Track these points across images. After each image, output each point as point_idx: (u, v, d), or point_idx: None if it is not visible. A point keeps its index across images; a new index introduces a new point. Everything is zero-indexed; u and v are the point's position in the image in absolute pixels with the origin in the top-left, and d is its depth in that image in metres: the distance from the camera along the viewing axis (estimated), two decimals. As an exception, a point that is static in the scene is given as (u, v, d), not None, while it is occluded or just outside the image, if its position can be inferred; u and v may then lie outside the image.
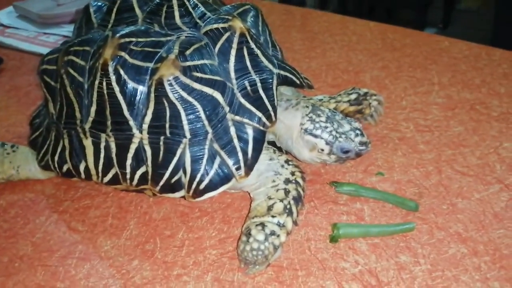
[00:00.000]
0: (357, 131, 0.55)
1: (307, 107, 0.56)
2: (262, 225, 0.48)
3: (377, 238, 0.50)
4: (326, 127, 0.54)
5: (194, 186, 0.51)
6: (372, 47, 0.93)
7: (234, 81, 0.52)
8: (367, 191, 0.55)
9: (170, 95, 0.49)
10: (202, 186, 0.51)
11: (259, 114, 0.52)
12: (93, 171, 0.55)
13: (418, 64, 0.85)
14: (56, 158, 0.58)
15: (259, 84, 0.53)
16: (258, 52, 0.54)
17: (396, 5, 2.52)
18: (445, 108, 0.71)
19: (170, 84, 0.49)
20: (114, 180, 0.55)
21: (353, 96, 0.65)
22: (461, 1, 2.70)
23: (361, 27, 1.03)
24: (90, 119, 0.53)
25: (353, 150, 0.54)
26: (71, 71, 0.54)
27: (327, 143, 0.54)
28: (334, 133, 0.54)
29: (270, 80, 0.54)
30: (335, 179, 0.59)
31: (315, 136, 0.54)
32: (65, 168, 0.57)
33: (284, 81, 0.56)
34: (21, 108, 0.84)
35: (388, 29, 1.00)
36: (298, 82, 0.58)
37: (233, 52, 0.52)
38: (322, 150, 0.55)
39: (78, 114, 0.55)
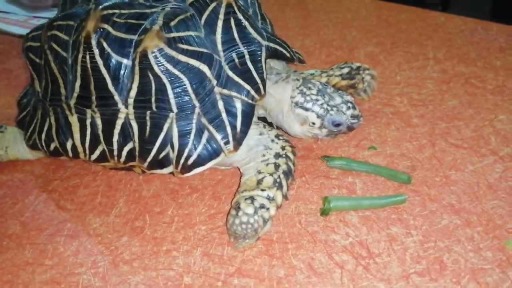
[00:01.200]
0: (349, 104, 0.54)
1: (297, 80, 0.55)
2: (252, 198, 0.47)
3: (369, 211, 0.50)
4: (317, 100, 0.53)
5: (182, 161, 0.50)
6: (367, 23, 0.92)
7: (221, 54, 0.51)
8: (358, 165, 0.54)
9: (155, 67, 0.48)
10: (190, 161, 0.50)
11: (247, 87, 0.51)
12: (80, 149, 0.54)
13: (413, 40, 0.83)
14: (43, 136, 0.57)
15: (247, 56, 0.52)
16: (246, 23, 0.53)
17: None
18: (440, 82, 0.70)
19: (155, 56, 0.47)
20: (102, 158, 0.54)
21: (345, 70, 0.64)
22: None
23: (356, 4, 1.01)
24: (75, 94, 0.52)
25: (345, 123, 0.53)
26: (55, 46, 0.53)
27: (318, 116, 0.53)
28: (325, 106, 0.53)
29: (259, 52, 0.52)
30: (327, 154, 0.58)
31: (306, 109, 0.53)
32: (52, 146, 0.57)
33: (273, 54, 0.55)
34: (11, 90, 0.83)
35: (384, 6, 0.98)
36: (288, 55, 0.57)
37: (219, 23, 0.51)
38: (313, 123, 0.54)
39: (63, 90, 0.54)
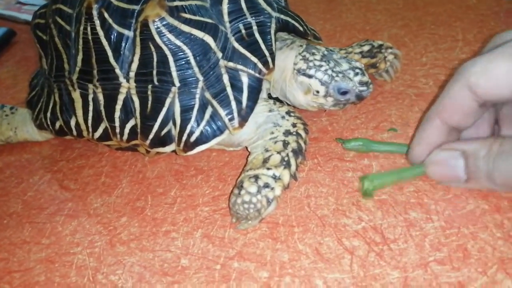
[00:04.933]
0: (357, 70, 0.49)
1: (301, 46, 0.51)
2: (256, 177, 0.44)
3: (385, 195, 0.45)
4: (320, 66, 0.49)
5: (184, 138, 0.47)
6: (392, 7, 0.86)
7: (227, 25, 0.48)
8: (378, 145, 0.50)
9: (157, 38, 0.45)
10: (192, 138, 0.47)
11: (254, 59, 0.47)
12: (83, 126, 0.52)
13: (441, 22, 0.78)
14: (48, 115, 0.56)
15: (255, 28, 0.48)
16: (255, -7, 0.49)
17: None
18: (470, 63, 0.65)
19: (156, 26, 0.45)
20: (105, 136, 0.52)
21: (366, 48, 0.59)
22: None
23: (382, -12, 0.96)
24: (77, 69, 0.51)
25: (352, 91, 0.49)
26: (59, 20, 0.52)
27: (322, 84, 0.49)
28: (330, 72, 0.49)
29: (268, 23, 0.49)
30: (342, 136, 0.54)
31: (309, 76, 0.49)
32: (57, 125, 0.55)
33: (284, 26, 0.51)
34: (29, 76, 0.82)
35: (411, -11, 0.93)
36: (301, 29, 0.53)
37: (226, -7, 0.48)
38: (318, 92, 0.49)
39: (66, 66, 0.52)
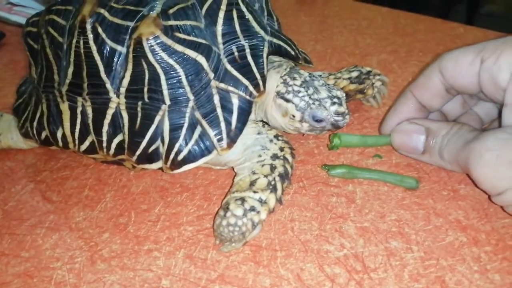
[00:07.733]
0: (335, 100, 0.49)
1: (285, 69, 0.52)
2: (242, 200, 0.44)
3: (367, 222, 0.46)
4: (299, 92, 0.50)
5: (171, 156, 0.47)
6: (382, 31, 0.88)
7: (221, 46, 0.48)
8: (361, 172, 0.51)
9: (149, 56, 0.45)
10: (180, 157, 0.47)
11: (245, 82, 0.48)
12: (69, 138, 0.52)
13: (429, 49, 0.80)
14: (35, 124, 0.55)
15: (247, 50, 0.49)
16: (250, 16, 0.50)
17: (418, 5, 2.45)
18: (455, 93, 0.66)
19: (150, 44, 0.45)
20: (91, 149, 0.52)
21: (355, 74, 0.60)
22: (485, 5, 2.61)
23: (373, 12, 0.98)
24: (67, 81, 0.50)
25: (327, 120, 0.49)
26: (51, 30, 0.51)
27: (297, 109, 0.50)
28: (306, 98, 0.49)
29: (261, 47, 0.50)
30: (328, 160, 0.55)
31: (287, 100, 0.50)
32: (43, 135, 0.55)
33: (277, 50, 0.52)
34: (16, 80, 0.81)
35: (401, 15, 0.95)
36: (293, 53, 0.54)
37: (221, 14, 0.49)
38: (293, 116, 0.50)
39: (56, 77, 0.52)
